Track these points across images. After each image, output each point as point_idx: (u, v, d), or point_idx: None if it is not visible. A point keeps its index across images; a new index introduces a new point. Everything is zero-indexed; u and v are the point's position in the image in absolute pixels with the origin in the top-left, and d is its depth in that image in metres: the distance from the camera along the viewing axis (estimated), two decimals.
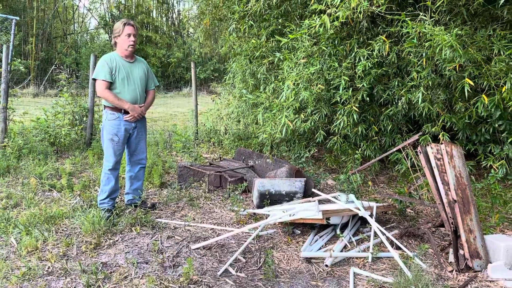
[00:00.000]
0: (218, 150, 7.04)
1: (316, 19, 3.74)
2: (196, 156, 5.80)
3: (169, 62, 27.26)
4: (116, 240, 3.52)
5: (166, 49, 27.68)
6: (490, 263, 3.12)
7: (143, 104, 4.09)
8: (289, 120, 3.92)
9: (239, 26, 5.49)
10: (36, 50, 22.52)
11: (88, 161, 6.03)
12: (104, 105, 4.00)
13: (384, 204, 4.00)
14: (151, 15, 30.26)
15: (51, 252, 3.21)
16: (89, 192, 4.71)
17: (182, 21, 30.29)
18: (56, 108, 6.37)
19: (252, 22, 5.47)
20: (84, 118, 6.79)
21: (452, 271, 3.10)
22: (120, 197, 4.56)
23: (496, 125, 4.42)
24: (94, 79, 3.92)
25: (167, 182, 5.32)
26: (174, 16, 32.29)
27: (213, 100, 7.88)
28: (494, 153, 4.52)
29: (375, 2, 3.53)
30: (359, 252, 3.34)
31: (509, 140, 4.32)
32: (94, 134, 6.82)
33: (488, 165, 4.51)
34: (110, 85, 3.90)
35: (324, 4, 3.79)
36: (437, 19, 4.12)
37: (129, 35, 3.93)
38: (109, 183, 4.01)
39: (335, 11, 3.54)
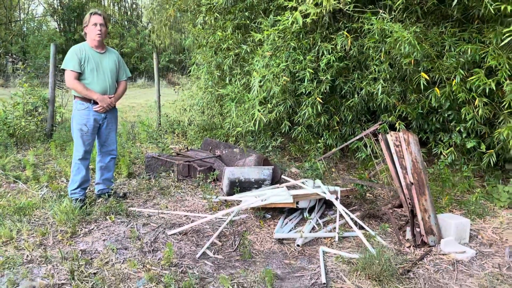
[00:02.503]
0: (182, 141, 7.11)
1: (288, 16, 3.93)
2: (163, 146, 5.86)
3: (122, 52, 26.55)
4: (92, 229, 3.56)
5: (119, 39, 26.92)
6: (442, 238, 3.48)
7: (113, 95, 4.11)
8: (261, 114, 4.11)
9: (205, 18, 5.59)
10: None
11: (50, 152, 5.92)
12: (74, 95, 4.00)
13: (347, 188, 4.29)
14: (103, 3, 29.28)
15: (27, 241, 3.22)
16: (56, 183, 4.68)
17: (146, 10, 29.43)
18: (15, 99, 6.17)
19: (217, 14, 5.58)
20: (40, 109, 6.59)
21: (409, 246, 3.43)
22: (89, 187, 4.56)
23: (446, 115, 4.83)
24: (63, 69, 3.92)
25: (135, 172, 5.36)
26: (127, 5, 31.43)
27: (175, 91, 7.90)
28: (444, 140, 4.94)
29: (342, 0, 3.77)
30: (326, 232, 3.60)
31: (457, 129, 4.74)
32: (55, 125, 6.67)
33: (438, 152, 4.93)
34: (80, 76, 3.91)
35: (294, 1, 3.99)
36: (393, 16, 4.44)
37: (95, 25, 3.94)
38: (79, 173, 4.03)
39: (306, 8, 3.74)
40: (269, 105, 4.65)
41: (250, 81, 4.45)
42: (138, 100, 14.82)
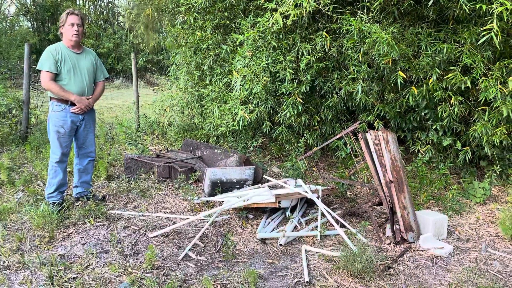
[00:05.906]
0: (162, 142, 7.04)
1: (269, 17, 3.93)
2: (143, 148, 5.78)
3: (99, 52, 26.05)
4: (70, 233, 3.49)
5: (94, 39, 26.42)
6: (421, 235, 3.55)
7: (90, 96, 4.04)
8: (244, 112, 4.11)
9: (184, 18, 5.54)
10: None
11: (26, 155, 5.77)
12: (50, 97, 3.92)
13: (328, 187, 4.33)
14: (77, 2, 28.70)
15: (4, 247, 3.13)
16: (32, 187, 4.56)
17: (124, 12, 28.92)
18: None
19: (197, 14, 5.54)
20: (14, 111, 6.42)
21: (390, 243, 3.48)
22: (67, 191, 4.47)
23: (423, 114, 4.93)
24: (39, 70, 3.83)
25: (114, 174, 5.27)
26: (103, 4, 30.90)
27: (155, 92, 7.82)
28: (421, 139, 5.04)
29: (321, 1, 3.80)
30: (308, 231, 3.62)
31: (433, 127, 4.84)
32: (30, 127, 6.51)
33: (416, 150, 5.03)
34: (56, 77, 3.82)
35: (274, 3, 4.00)
36: (371, 17, 4.50)
37: (72, 25, 3.87)
38: (56, 176, 3.94)
39: (286, 10, 3.75)
40: (250, 105, 4.65)
41: (232, 80, 4.44)
42: (116, 101, 14.58)
